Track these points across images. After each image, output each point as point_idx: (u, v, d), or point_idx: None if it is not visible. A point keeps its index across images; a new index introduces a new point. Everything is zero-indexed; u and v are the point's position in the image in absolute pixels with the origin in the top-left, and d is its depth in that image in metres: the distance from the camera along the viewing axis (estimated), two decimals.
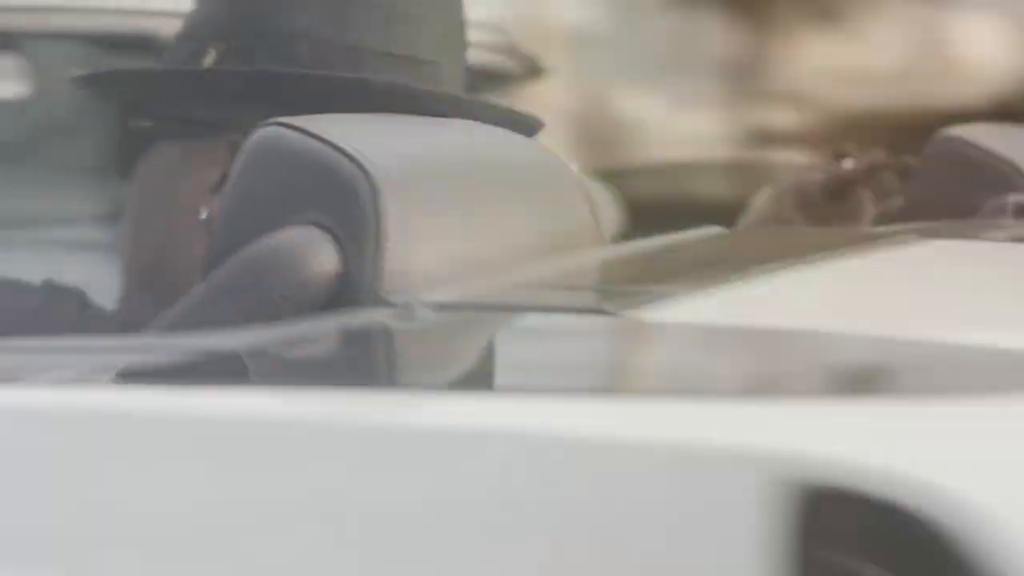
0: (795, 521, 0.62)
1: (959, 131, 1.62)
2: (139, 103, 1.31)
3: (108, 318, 1.24)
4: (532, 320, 0.97)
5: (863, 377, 0.84)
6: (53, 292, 1.29)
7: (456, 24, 1.36)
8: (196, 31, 1.30)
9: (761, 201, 1.94)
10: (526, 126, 1.34)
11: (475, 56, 2.18)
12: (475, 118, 1.25)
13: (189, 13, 1.31)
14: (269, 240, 1.06)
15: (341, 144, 1.06)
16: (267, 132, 1.10)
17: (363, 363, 0.96)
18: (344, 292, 1.02)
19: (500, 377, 0.90)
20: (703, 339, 0.89)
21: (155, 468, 0.77)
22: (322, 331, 0.96)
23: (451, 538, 0.69)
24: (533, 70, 2.46)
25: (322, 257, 1.03)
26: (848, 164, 1.83)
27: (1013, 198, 1.48)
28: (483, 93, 2.25)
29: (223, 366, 0.94)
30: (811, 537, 0.62)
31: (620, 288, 1.07)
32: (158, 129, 1.27)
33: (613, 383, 0.87)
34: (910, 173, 1.73)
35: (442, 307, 0.97)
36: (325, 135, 1.07)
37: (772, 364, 0.85)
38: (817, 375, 0.84)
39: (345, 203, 1.03)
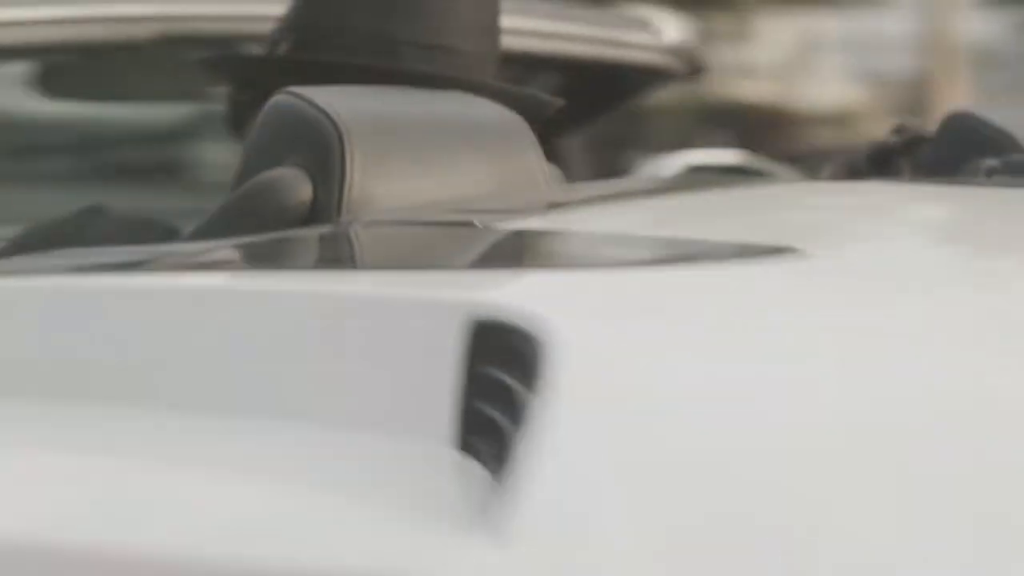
0: (465, 344, 0.90)
1: (966, 106, 1.86)
2: (242, 81, 1.70)
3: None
4: (417, 230, 1.28)
5: (556, 254, 1.17)
6: (145, 224, 1.63)
7: (487, 19, 1.64)
8: (280, 26, 1.66)
9: (825, 172, 2.23)
10: (541, 106, 1.63)
11: (641, 55, 2.50)
12: (492, 98, 1.51)
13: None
14: (261, 176, 1.39)
15: (323, 106, 1.38)
16: (278, 98, 1.43)
17: (295, 257, 1.30)
18: (314, 217, 1.36)
19: (358, 264, 1.26)
20: (506, 239, 1.19)
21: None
22: (280, 239, 1.29)
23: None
24: (696, 68, 2.75)
25: (298, 191, 1.36)
26: (894, 137, 2.06)
27: (987, 162, 1.67)
28: (648, 89, 2.69)
29: (214, 262, 1.27)
30: (472, 355, 0.90)
31: (505, 209, 1.33)
32: (257, 101, 1.55)
33: (418, 265, 1.18)
34: (927, 144, 1.95)
35: (369, 224, 1.30)
36: (315, 100, 1.40)
37: (518, 250, 1.18)
38: (533, 254, 1.17)
39: (318, 150, 1.37)
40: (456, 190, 1.39)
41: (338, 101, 1.41)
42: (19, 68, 2.39)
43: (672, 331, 0.92)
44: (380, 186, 1.37)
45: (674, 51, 2.63)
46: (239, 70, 1.74)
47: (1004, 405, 0.84)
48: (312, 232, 1.33)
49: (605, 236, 1.19)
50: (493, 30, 1.65)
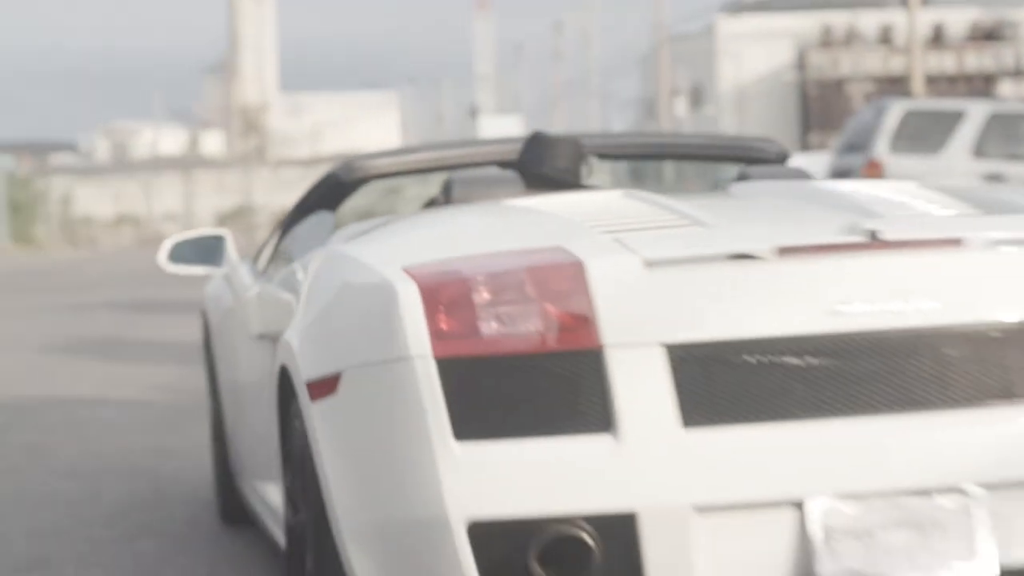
0: None
1: None
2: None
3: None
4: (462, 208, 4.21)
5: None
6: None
7: (577, 157, 4.59)
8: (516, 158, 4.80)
9: None
10: (575, 180, 4.72)
11: (760, 151, 5.16)
12: (567, 179, 4.64)
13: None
14: (436, 197, 4.84)
15: (454, 175, 4.51)
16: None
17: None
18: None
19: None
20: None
21: None
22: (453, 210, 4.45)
23: None
24: (782, 155, 5.10)
25: (438, 199, 4.74)
26: None
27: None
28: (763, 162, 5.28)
29: None
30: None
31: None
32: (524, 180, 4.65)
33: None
34: None
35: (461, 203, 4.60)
36: (454, 174, 4.54)
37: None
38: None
39: (447, 188, 4.49)
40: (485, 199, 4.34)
41: (462, 175, 4.44)
42: None
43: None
44: (464, 198, 4.35)
45: (762, 142, 5.11)
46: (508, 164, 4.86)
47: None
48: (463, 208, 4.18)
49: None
50: (580, 158, 4.58)
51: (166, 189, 58.25)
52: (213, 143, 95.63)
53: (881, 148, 18.02)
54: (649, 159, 5.42)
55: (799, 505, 3.09)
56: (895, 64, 60.17)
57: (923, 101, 19.53)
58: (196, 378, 10.07)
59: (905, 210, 3.45)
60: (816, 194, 3.70)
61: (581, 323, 3.12)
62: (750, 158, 4.97)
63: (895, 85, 54.85)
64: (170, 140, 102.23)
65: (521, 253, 3.24)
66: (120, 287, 23.14)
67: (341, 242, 3.92)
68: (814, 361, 3.13)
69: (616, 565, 3.09)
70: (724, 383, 3.12)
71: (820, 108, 62.24)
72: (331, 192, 4.97)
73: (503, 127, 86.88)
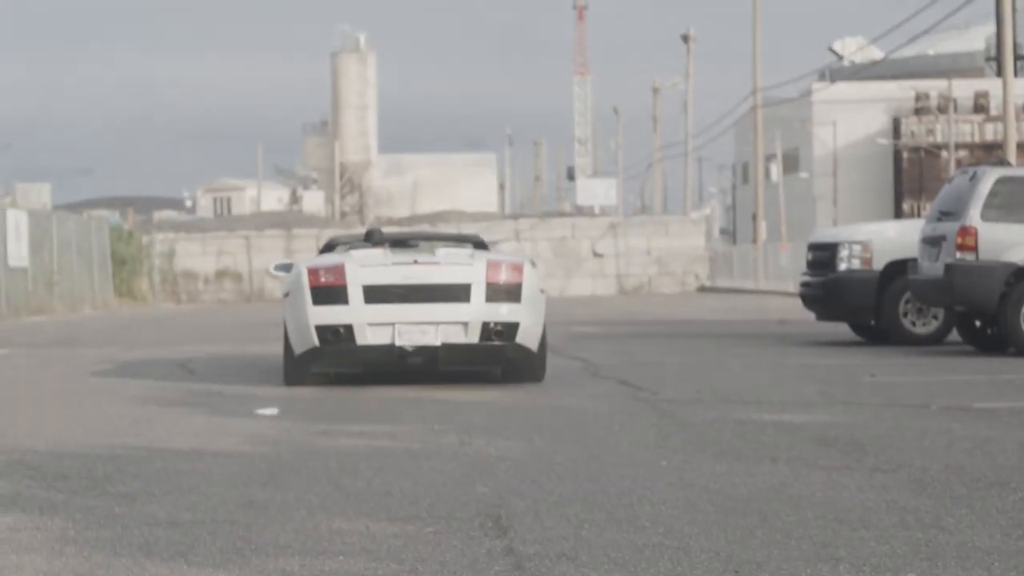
0: None
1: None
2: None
3: None
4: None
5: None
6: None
7: (384, 236, 16.57)
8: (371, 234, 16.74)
9: None
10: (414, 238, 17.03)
11: (463, 236, 17.93)
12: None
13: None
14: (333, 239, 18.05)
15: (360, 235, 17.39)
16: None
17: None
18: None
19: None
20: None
21: None
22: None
23: None
24: (480, 240, 16.79)
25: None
26: None
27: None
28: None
29: None
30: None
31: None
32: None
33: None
34: None
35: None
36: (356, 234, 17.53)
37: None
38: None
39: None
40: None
41: (354, 243, 16.91)
42: None
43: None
44: (351, 248, 16.69)
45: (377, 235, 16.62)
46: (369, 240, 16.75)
47: None
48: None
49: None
50: (382, 238, 16.68)
51: (267, 245, 59.03)
52: (314, 201, 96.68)
53: (974, 215, 18.07)
54: (422, 240, 16.50)
55: (393, 325, 14.54)
56: (989, 131, 59.95)
57: (1017, 168, 19.53)
58: (294, 432, 10.41)
59: (441, 256, 15.09)
60: (434, 250, 15.56)
61: (341, 279, 14.64)
62: (470, 242, 16.44)
63: (989, 152, 54.60)
64: (272, 197, 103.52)
65: (333, 262, 14.94)
66: (220, 341, 23.73)
67: (302, 262, 15.53)
68: (401, 291, 14.65)
69: (345, 339, 14.53)
70: (377, 294, 14.65)
71: (914, 175, 62.02)
72: (327, 246, 16.84)
73: (599, 190, 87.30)
